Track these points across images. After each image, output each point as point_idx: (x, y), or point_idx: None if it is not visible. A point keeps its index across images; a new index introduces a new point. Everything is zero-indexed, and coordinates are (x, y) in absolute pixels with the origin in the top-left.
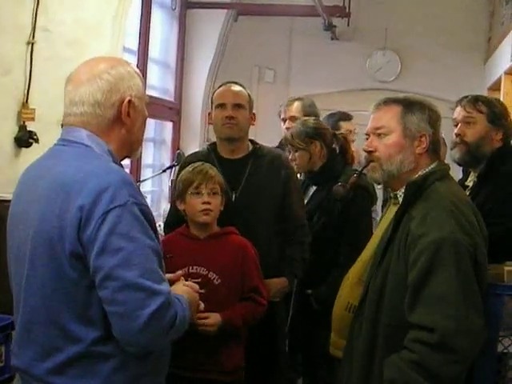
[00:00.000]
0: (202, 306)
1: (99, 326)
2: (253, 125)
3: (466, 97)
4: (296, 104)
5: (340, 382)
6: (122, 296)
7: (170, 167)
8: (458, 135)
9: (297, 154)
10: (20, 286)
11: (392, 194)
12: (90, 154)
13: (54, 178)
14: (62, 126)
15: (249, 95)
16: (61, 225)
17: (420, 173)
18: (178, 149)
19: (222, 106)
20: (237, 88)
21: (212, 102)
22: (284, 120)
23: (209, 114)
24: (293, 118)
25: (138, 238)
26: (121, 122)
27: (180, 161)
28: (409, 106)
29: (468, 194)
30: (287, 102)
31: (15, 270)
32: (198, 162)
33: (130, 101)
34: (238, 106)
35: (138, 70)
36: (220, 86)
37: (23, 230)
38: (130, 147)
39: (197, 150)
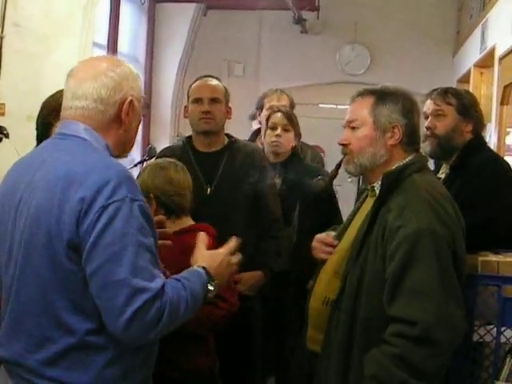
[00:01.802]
0: (235, 260)
1: (94, 318)
2: (229, 118)
3: (436, 89)
4: (284, 95)
5: (318, 376)
6: (109, 291)
7: (141, 162)
8: (428, 128)
9: (287, 133)
10: (10, 276)
11: (369, 187)
12: (88, 147)
13: (53, 168)
14: (59, 120)
15: (225, 89)
16: (60, 214)
17: (396, 165)
18: (149, 143)
19: (198, 100)
20: (213, 82)
21: (188, 96)
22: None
23: (185, 107)
24: (285, 107)
25: (132, 234)
26: (120, 120)
27: (152, 155)
28: (382, 96)
29: None
30: (274, 91)
31: (5, 260)
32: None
33: (131, 101)
34: (214, 100)
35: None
36: (196, 80)
37: (17, 221)
38: (124, 147)
39: (167, 144)
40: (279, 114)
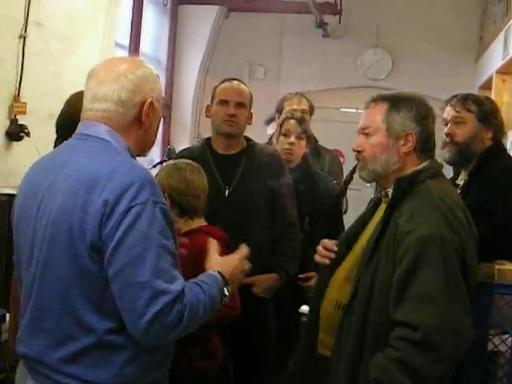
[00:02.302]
0: (247, 267)
1: (114, 318)
2: (249, 124)
3: (456, 96)
4: (304, 99)
5: (327, 380)
6: (131, 293)
7: (161, 162)
8: (448, 135)
9: (300, 141)
10: (32, 274)
11: (383, 192)
12: (110, 148)
13: (76, 171)
14: (80, 120)
15: (250, 94)
16: (83, 216)
17: (410, 171)
18: (169, 144)
19: (225, 102)
20: (241, 86)
21: (213, 97)
22: (295, 111)
23: (207, 106)
24: (305, 111)
25: (154, 237)
26: (140, 121)
27: (171, 156)
28: (395, 103)
29: (459, 192)
30: (294, 95)
31: (26, 258)
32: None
33: (151, 102)
34: (240, 104)
35: (157, 73)
36: (223, 82)
37: (38, 220)
38: (144, 147)
39: (187, 145)
40: (293, 121)
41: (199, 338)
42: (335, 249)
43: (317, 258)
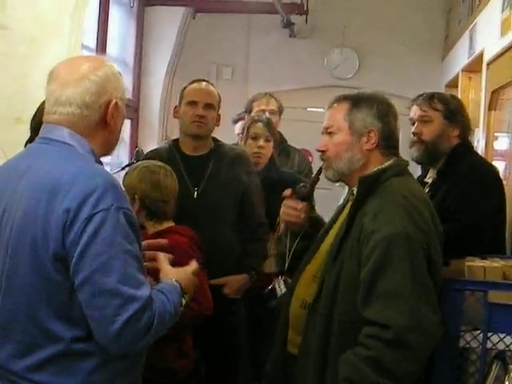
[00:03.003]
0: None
1: (81, 326)
2: (217, 125)
3: (422, 95)
4: (273, 100)
5: (295, 378)
6: (99, 301)
7: (129, 165)
8: (415, 134)
9: (268, 144)
10: None
11: (350, 191)
12: (73, 153)
13: (38, 177)
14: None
15: (219, 96)
16: (45, 226)
17: (374, 169)
18: (137, 146)
19: (193, 103)
20: (210, 87)
21: (182, 97)
22: (263, 112)
23: (175, 107)
24: (273, 112)
25: (119, 243)
26: (105, 122)
27: (139, 158)
28: (357, 102)
29: (427, 190)
30: (263, 95)
31: None
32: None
33: (116, 103)
34: (209, 105)
35: (119, 71)
36: (191, 83)
37: (3, 228)
38: (110, 147)
39: (155, 147)
40: (261, 125)
41: (174, 338)
42: (298, 207)
43: (282, 215)
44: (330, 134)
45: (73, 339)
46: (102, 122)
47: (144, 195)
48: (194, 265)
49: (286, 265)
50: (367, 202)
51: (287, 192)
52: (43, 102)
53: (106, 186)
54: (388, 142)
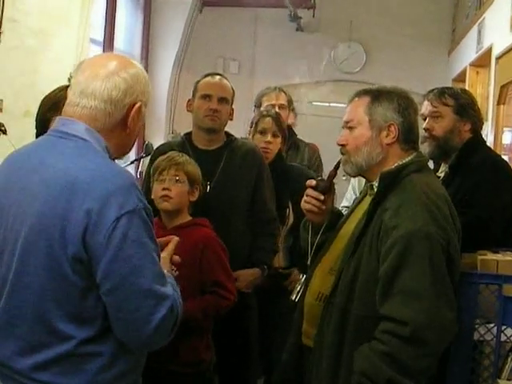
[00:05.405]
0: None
1: (91, 326)
2: (231, 119)
3: (433, 90)
4: (282, 94)
5: (310, 371)
6: (134, 303)
7: (138, 159)
8: (426, 130)
9: (276, 139)
10: (2, 279)
11: (368, 185)
12: (90, 149)
13: (54, 173)
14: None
15: (232, 89)
16: (63, 225)
17: (395, 164)
18: (144, 140)
19: (207, 96)
20: (224, 81)
21: (195, 91)
22: (273, 106)
23: (188, 100)
24: (283, 106)
25: (147, 243)
26: (125, 124)
27: (149, 152)
28: (377, 96)
29: None
30: (272, 90)
31: None
32: (174, 151)
33: (140, 106)
34: (223, 99)
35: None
36: (205, 76)
37: (12, 224)
38: (124, 150)
39: (162, 141)
40: (269, 120)
41: (206, 330)
42: (321, 197)
43: (304, 205)
44: (350, 128)
45: (83, 340)
46: (122, 122)
47: (192, 175)
48: (169, 248)
49: (309, 259)
50: (387, 197)
51: (311, 182)
52: (45, 97)
53: (128, 185)
54: (408, 137)
